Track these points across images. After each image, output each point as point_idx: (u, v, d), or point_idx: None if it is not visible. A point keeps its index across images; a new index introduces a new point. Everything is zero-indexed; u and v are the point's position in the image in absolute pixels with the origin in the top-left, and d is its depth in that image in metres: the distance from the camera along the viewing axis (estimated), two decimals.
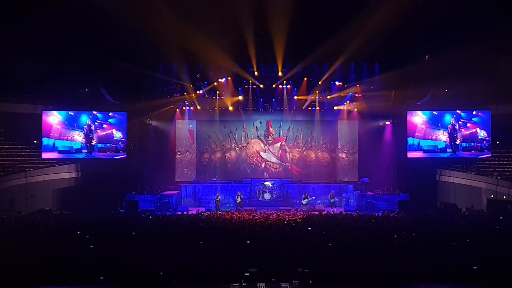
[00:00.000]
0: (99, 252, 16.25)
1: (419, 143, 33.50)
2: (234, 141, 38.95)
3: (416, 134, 33.57)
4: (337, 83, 35.15)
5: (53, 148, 33.05)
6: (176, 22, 27.97)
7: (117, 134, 33.66)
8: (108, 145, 33.69)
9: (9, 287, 13.12)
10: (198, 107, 37.01)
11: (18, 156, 33.84)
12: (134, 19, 27.11)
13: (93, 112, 33.69)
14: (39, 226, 22.71)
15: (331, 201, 33.57)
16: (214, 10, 28.22)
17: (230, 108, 36.64)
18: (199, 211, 30.17)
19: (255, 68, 34.26)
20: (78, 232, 20.28)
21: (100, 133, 33.64)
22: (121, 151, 33.54)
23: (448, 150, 33.43)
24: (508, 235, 19.97)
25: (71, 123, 33.41)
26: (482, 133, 33.19)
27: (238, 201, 33.01)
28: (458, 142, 33.36)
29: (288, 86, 35.77)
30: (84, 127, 33.43)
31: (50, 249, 16.63)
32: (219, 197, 33.20)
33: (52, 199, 32.95)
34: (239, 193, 33.54)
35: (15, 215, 27.84)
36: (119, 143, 33.58)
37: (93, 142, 33.50)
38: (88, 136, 33.45)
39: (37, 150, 33.88)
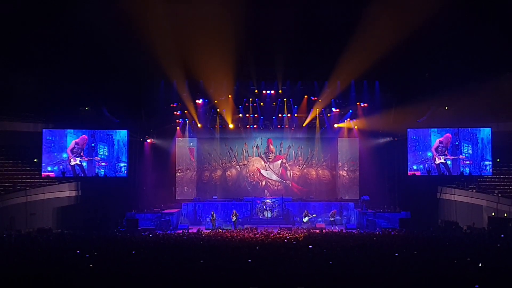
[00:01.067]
0: (98, 271, 16.14)
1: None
2: (234, 159, 38.93)
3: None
4: (337, 100, 35.24)
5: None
6: (177, 40, 28.09)
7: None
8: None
9: None
10: (199, 125, 37.01)
11: (18, 174, 33.82)
12: (135, 37, 27.28)
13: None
14: (39, 245, 22.64)
15: (332, 219, 33.45)
16: (214, 28, 28.35)
17: (231, 125, 36.67)
18: (200, 230, 30.09)
19: (255, 86, 34.37)
20: (78, 252, 20.18)
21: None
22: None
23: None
24: (509, 253, 19.88)
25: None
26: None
27: (233, 220, 32.79)
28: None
29: (289, 104, 35.84)
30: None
31: (50, 268, 16.52)
32: (214, 216, 33.12)
33: (52, 218, 32.81)
34: (234, 211, 33.31)
35: (15, 234, 27.75)
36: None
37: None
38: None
39: (37, 169, 33.88)
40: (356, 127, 37.20)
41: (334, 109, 35.75)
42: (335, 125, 37.25)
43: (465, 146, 33.64)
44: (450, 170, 33.70)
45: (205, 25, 28.11)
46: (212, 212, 33.47)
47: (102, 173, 33.91)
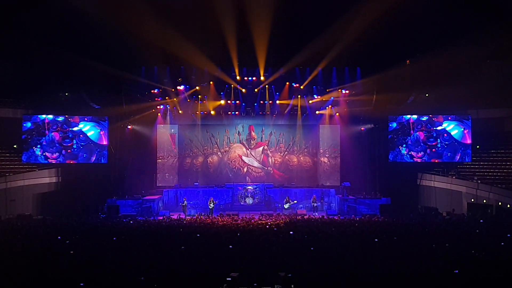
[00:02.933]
0: (79, 258, 16.09)
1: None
2: (216, 145, 38.83)
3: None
4: (319, 87, 35.26)
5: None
6: (158, 26, 27.87)
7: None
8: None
9: None
10: (180, 112, 36.87)
11: None
12: (116, 23, 26.99)
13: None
14: (19, 232, 22.50)
15: (313, 205, 33.56)
16: (196, 14, 28.19)
17: (212, 112, 36.57)
18: (180, 216, 30.08)
19: (237, 73, 34.27)
20: (59, 238, 20.10)
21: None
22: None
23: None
24: (488, 238, 20.13)
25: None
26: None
27: (210, 207, 32.55)
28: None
29: (270, 91, 35.79)
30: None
31: (30, 254, 16.44)
32: (185, 202, 33.07)
33: (32, 204, 32.64)
34: (211, 198, 33.10)
35: None
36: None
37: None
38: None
39: (17, 155, 33.61)
40: (337, 114, 37.29)
41: (315, 96, 35.75)
42: (317, 112, 37.26)
43: (445, 133, 33.94)
44: (430, 156, 34.09)
45: (187, 11, 27.93)
46: (184, 199, 33.44)
47: (83, 158, 33.77)
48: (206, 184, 37.03)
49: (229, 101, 36.26)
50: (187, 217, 30.30)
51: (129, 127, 36.16)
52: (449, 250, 17.39)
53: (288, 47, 32.09)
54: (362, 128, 36.88)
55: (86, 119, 33.95)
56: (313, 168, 39.04)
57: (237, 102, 36.47)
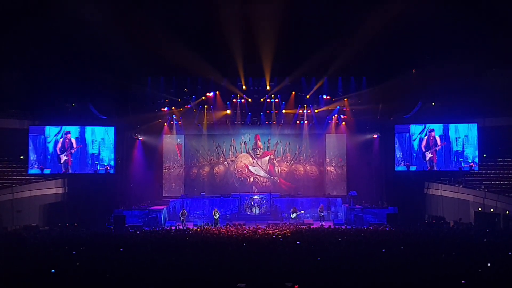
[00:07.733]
0: (85, 269, 16.06)
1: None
2: (222, 155, 38.82)
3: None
4: (325, 96, 35.29)
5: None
6: (164, 36, 27.97)
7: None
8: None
9: None
10: (186, 122, 36.93)
11: (4, 172, 33.56)
12: (122, 33, 27.13)
13: None
14: (25, 242, 22.52)
15: (320, 214, 33.48)
16: (202, 25, 28.30)
17: (218, 122, 36.67)
18: (187, 226, 30.08)
19: (243, 82, 34.36)
20: (66, 248, 20.09)
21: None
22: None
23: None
24: (496, 248, 19.99)
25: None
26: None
27: (216, 218, 32.55)
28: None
29: (276, 100, 35.83)
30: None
31: (36, 265, 16.42)
32: (184, 212, 33.09)
33: (39, 215, 32.62)
34: (215, 209, 33.06)
35: (1, 231, 27.58)
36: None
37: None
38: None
39: (23, 166, 33.67)
40: (343, 123, 37.27)
41: (321, 105, 35.78)
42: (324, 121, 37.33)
43: (452, 141, 33.86)
44: (436, 164, 33.97)
45: (192, 21, 28.04)
46: (183, 209, 33.47)
47: (89, 168, 33.82)
48: (213, 194, 36.93)
49: (235, 111, 36.34)
50: (185, 227, 30.27)
51: (139, 138, 36.31)
52: (456, 260, 17.29)
53: (293, 57, 32.15)
54: (368, 137, 36.83)
55: (92, 130, 34.00)
56: (320, 178, 38.97)
57: (243, 111, 36.53)
